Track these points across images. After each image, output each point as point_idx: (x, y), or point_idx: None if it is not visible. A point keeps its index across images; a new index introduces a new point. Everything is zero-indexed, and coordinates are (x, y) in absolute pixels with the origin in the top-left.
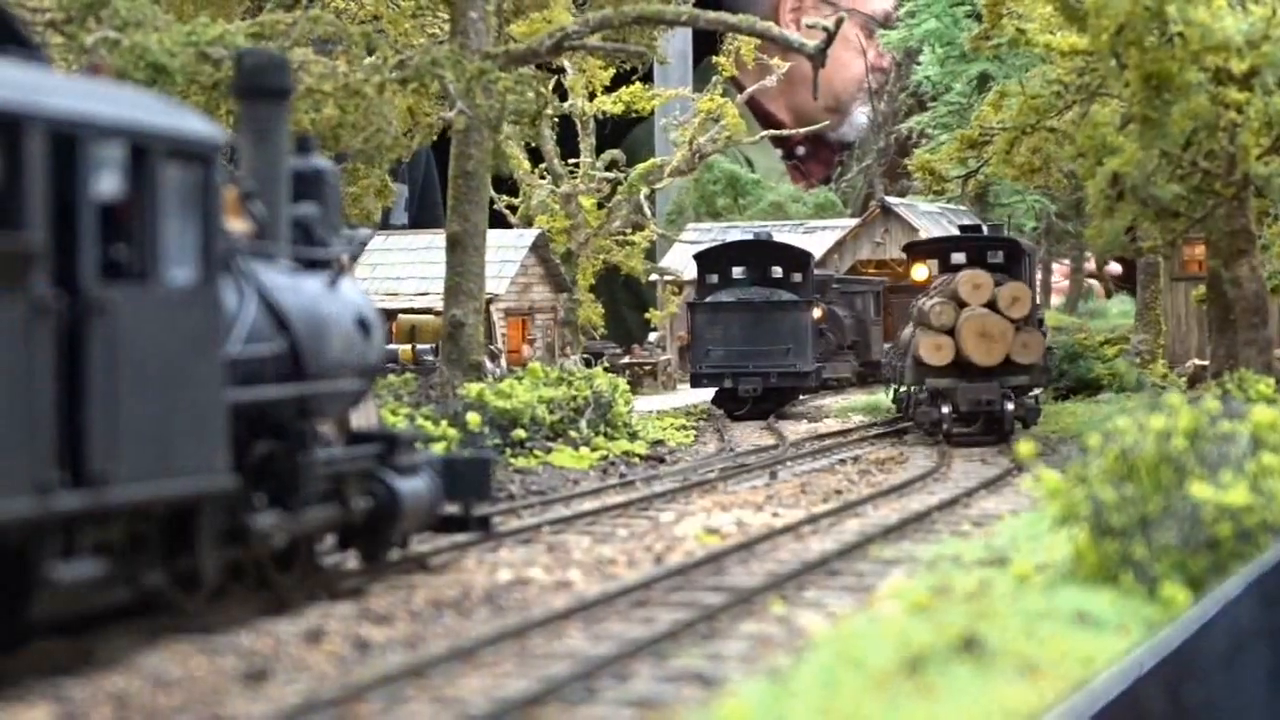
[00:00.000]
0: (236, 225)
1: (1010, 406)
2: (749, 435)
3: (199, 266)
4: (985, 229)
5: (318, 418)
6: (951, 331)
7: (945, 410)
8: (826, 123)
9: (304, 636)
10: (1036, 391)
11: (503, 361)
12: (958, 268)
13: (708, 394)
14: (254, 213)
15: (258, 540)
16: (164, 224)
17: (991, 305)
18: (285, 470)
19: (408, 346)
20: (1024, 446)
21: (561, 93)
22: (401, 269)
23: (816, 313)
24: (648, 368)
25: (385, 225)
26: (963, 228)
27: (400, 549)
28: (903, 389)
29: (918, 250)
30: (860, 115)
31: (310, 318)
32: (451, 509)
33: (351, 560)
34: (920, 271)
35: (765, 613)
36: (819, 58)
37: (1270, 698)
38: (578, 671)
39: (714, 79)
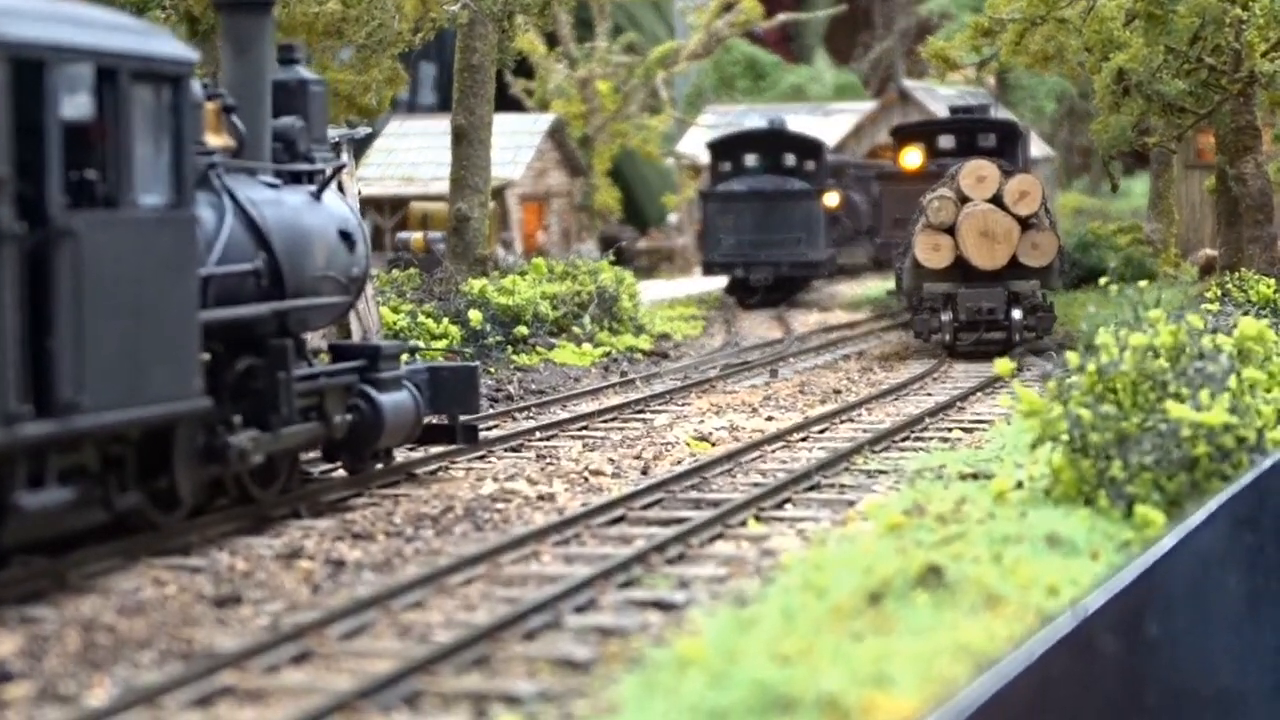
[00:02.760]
0: (216, 140)
1: (1018, 315)
2: (757, 326)
3: (171, 189)
4: (975, 110)
5: (299, 332)
6: (952, 230)
7: (945, 318)
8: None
9: (280, 555)
10: (1048, 296)
11: (517, 248)
12: (946, 152)
13: (721, 281)
14: (234, 126)
15: (235, 459)
16: (134, 147)
17: (997, 200)
18: (264, 387)
19: (419, 234)
20: (1002, 365)
21: None
22: (417, 154)
23: (833, 198)
24: (665, 252)
25: (413, 107)
26: (953, 109)
27: (383, 463)
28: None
29: (905, 134)
30: None
31: (291, 233)
32: (439, 420)
33: (340, 470)
34: (912, 156)
35: (740, 532)
36: None
37: (1247, 617)
38: (544, 598)
39: None
